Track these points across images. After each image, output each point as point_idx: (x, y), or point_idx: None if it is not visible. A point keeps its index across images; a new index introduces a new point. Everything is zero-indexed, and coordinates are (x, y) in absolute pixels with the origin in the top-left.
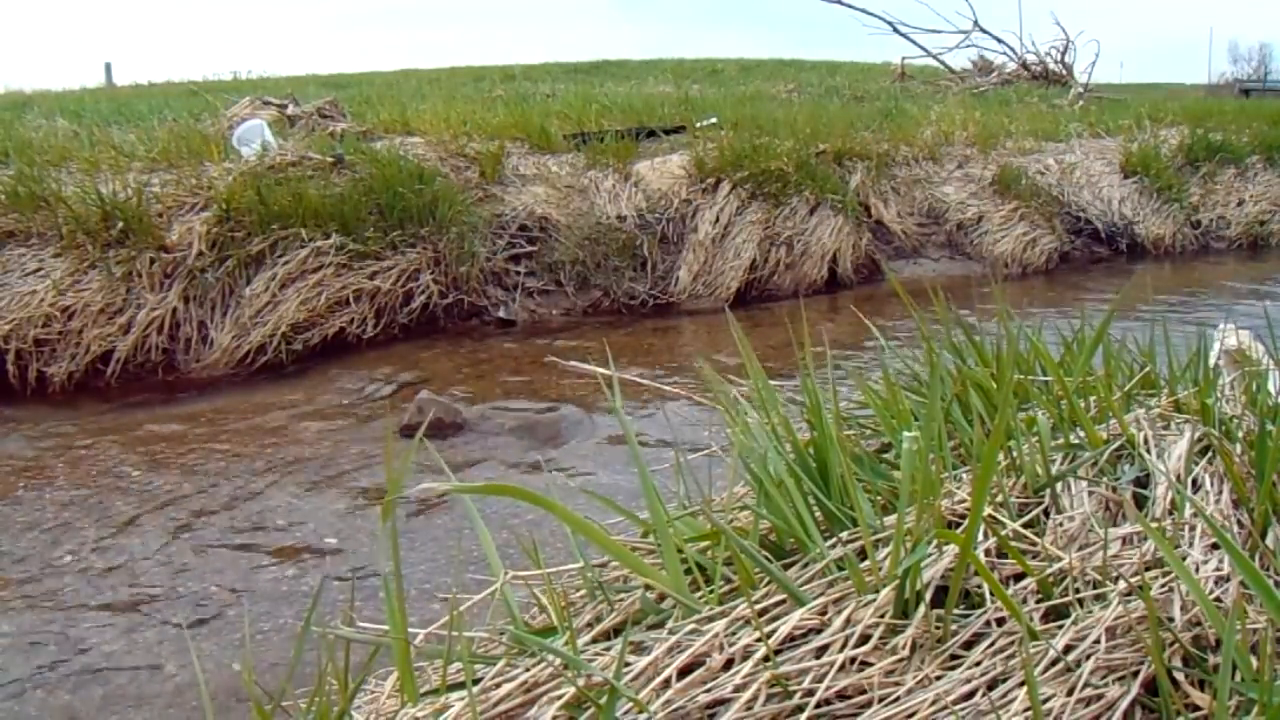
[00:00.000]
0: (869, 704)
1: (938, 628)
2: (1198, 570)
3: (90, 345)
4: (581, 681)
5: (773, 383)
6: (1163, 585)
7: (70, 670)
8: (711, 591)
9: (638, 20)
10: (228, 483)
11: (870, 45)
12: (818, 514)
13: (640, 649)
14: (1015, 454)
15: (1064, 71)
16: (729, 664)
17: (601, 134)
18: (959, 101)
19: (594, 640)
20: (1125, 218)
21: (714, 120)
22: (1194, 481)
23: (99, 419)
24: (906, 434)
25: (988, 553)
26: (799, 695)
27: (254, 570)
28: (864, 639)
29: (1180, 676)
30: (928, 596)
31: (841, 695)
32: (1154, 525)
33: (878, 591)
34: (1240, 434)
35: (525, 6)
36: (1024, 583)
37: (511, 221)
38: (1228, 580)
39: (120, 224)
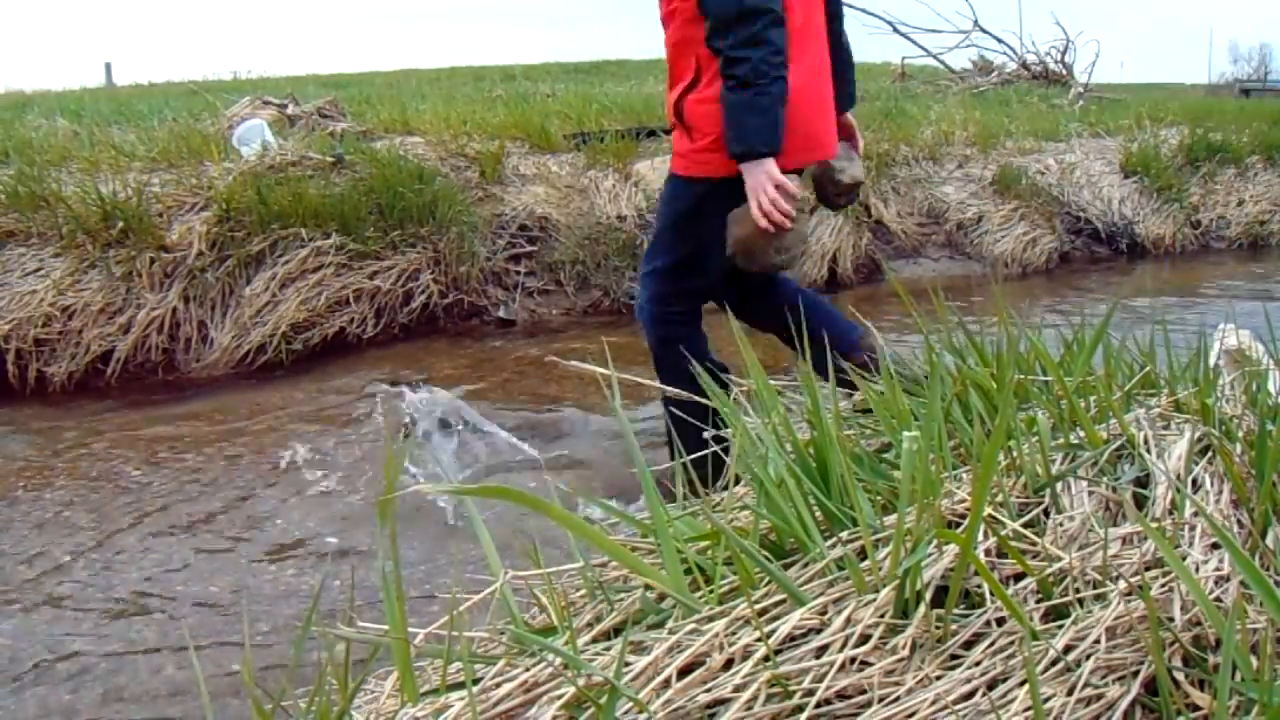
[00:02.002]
0: (869, 704)
1: (938, 628)
2: (1198, 570)
3: (90, 345)
4: (581, 681)
5: (772, 382)
6: (1163, 585)
7: (70, 670)
8: (711, 591)
9: (638, 20)
10: (227, 482)
11: (870, 45)
12: (818, 514)
13: (640, 649)
14: (1015, 454)
15: (1064, 71)
16: (729, 664)
17: (601, 134)
18: (959, 101)
19: (594, 640)
20: (1125, 218)
21: None
22: (1194, 481)
23: (99, 419)
24: (906, 434)
25: (988, 553)
26: (799, 695)
27: (254, 570)
28: (864, 639)
29: (1180, 676)
30: (928, 596)
31: (841, 695)
32: (1154, 525)
33: (878, 591)
34: (1240, 434)
35: (525, 6)
36: (1024, 583)
37: (511, 221)
38: (1228, 580)
39: (120, 224)
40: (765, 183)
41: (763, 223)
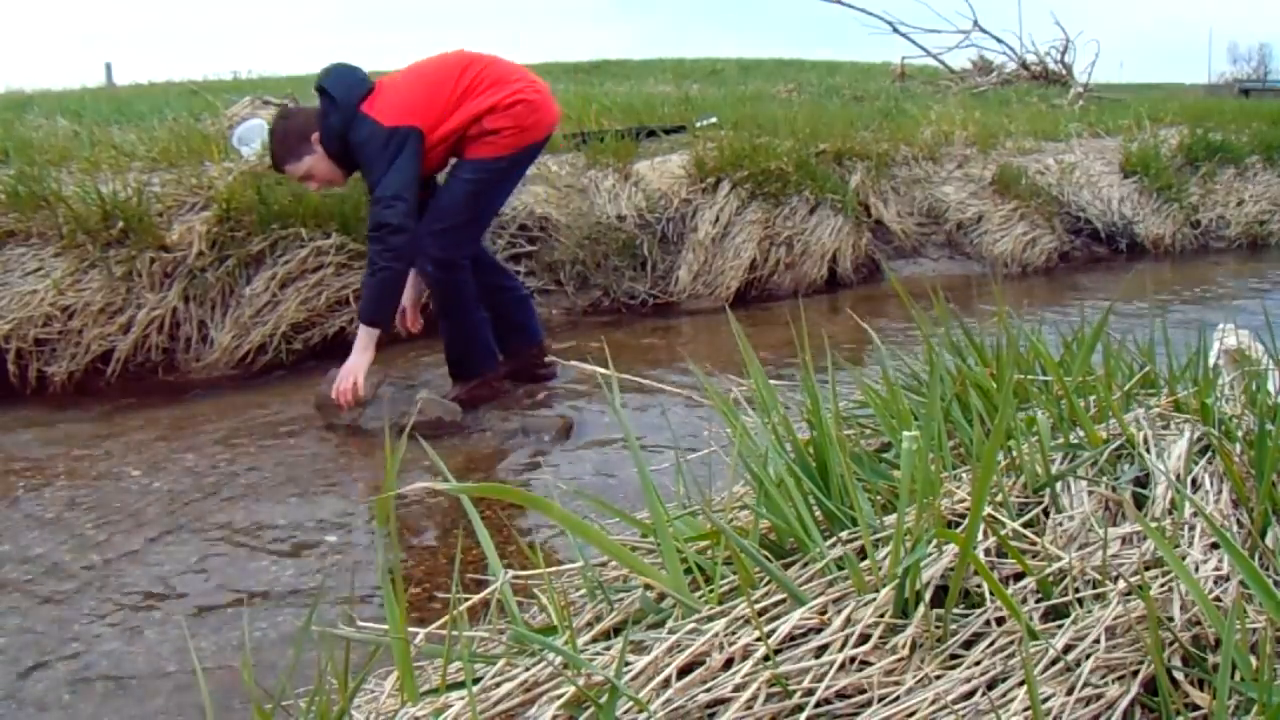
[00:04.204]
0: (869, 703)
1: (937, 627)
2: (1197, 570)
3: (90, 345)
4: (582, 681)
5: (773, 382)
6: (1162, 585)
7: (69, 670)
8: (711, 591)
9: (638, 20)
10: (227, 482)
11: (870, 45)
12: (817, 513)
13: (640, 648)
14: (1015, 453)
15: (1064, 71)
16: (729, 663)
17: (601, 134)
18: (959, 101)
19: (594, 640)
20: (1125, 217)
21: (714, 120)
22: (1193, 481)
23: (99, 419)
24: (906, 434)
25: (988, 552)
26: (799, 695)
27: (254, 570)
28: (864, 638)
29: (1180, 676)
30: (927, 596)
31: (841, 695)
32: (1153, 525)
33: (877, 591)
34: (1240, 434)
35: (525, 6)
36: (1024, 582)
37: (511, 221)
38: (1227, 580)
39: (120, 223)
40: (358, 370)
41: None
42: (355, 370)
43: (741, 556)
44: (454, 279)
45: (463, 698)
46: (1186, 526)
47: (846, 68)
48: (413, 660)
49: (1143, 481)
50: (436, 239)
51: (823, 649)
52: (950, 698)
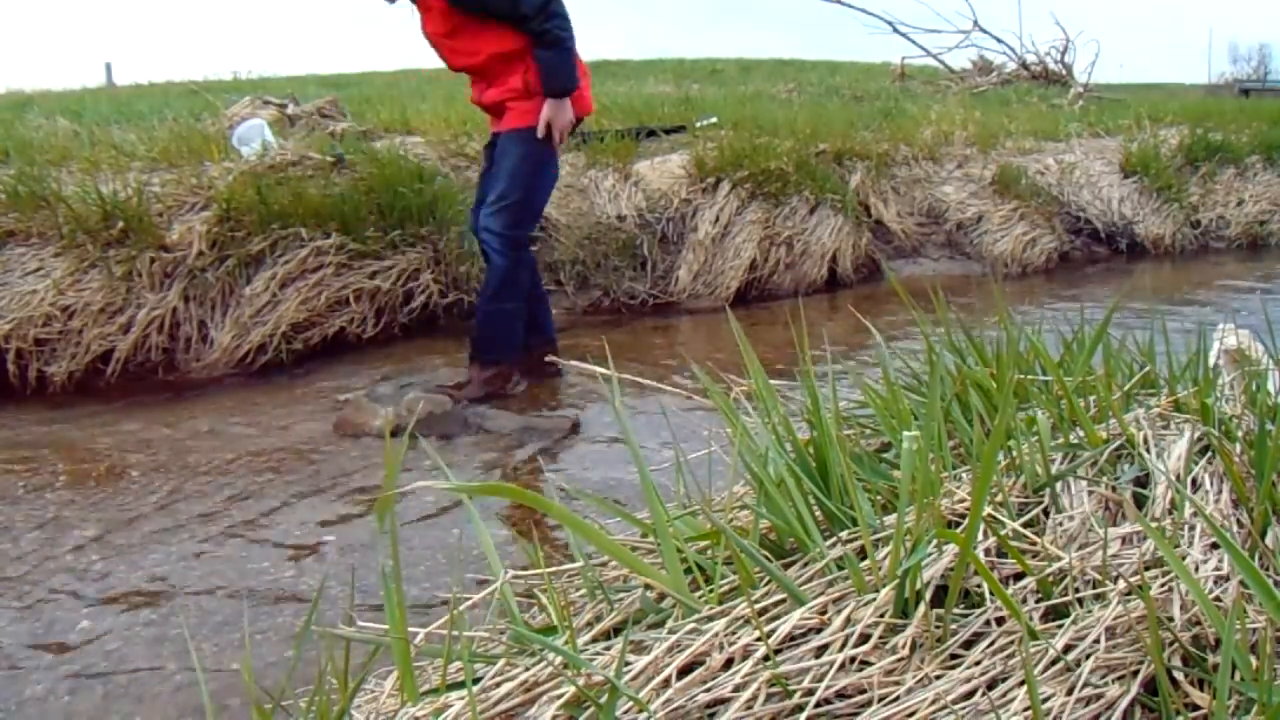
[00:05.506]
0: (869, 703)
1: (937, 627)
2: (1197, 570)
3: (90, 345)
4: (582, 681)
5: (773, 382)
6: (1162, 585)
7: (69, 670)
8: (711, 591)
9: (638, 20)
10: (227, 482)
11: (870, 45)
12: (818, 513)
13: (640, 648)
14: (1015, 453)
15: (1064, 71)
16: (729, 663)
17: (601, 134)
18: (959, 101)
19: (594, 640)
20: (1125, 217)
21: (714, 120)
22: (1194, 481)
23: (99, 419)
24: (906, 434)
25: (987, 552)
26: (799, 695)
27: (254, 570)
28: (864, 638)
29: (1180, 676)
30: (927, 596)
31: (841, 694)
32: (1154, 525)
33: (877, 591)
34: (1240, 434)
35: None
36: (1024, 582)
37: None
38: (1227, 580)
39: (120, 223)
40: (565, 113)
41: (556, 139)
42: (564, 124)
43: (741, 556)
44: (520, 258)
45: (463, 698)
46: (1186, 526)
47: (846, 68)
48: (413, 660)
49: (1143, 481)
50: (501, 216)
51: (823, 649)
52: (950, 698)
